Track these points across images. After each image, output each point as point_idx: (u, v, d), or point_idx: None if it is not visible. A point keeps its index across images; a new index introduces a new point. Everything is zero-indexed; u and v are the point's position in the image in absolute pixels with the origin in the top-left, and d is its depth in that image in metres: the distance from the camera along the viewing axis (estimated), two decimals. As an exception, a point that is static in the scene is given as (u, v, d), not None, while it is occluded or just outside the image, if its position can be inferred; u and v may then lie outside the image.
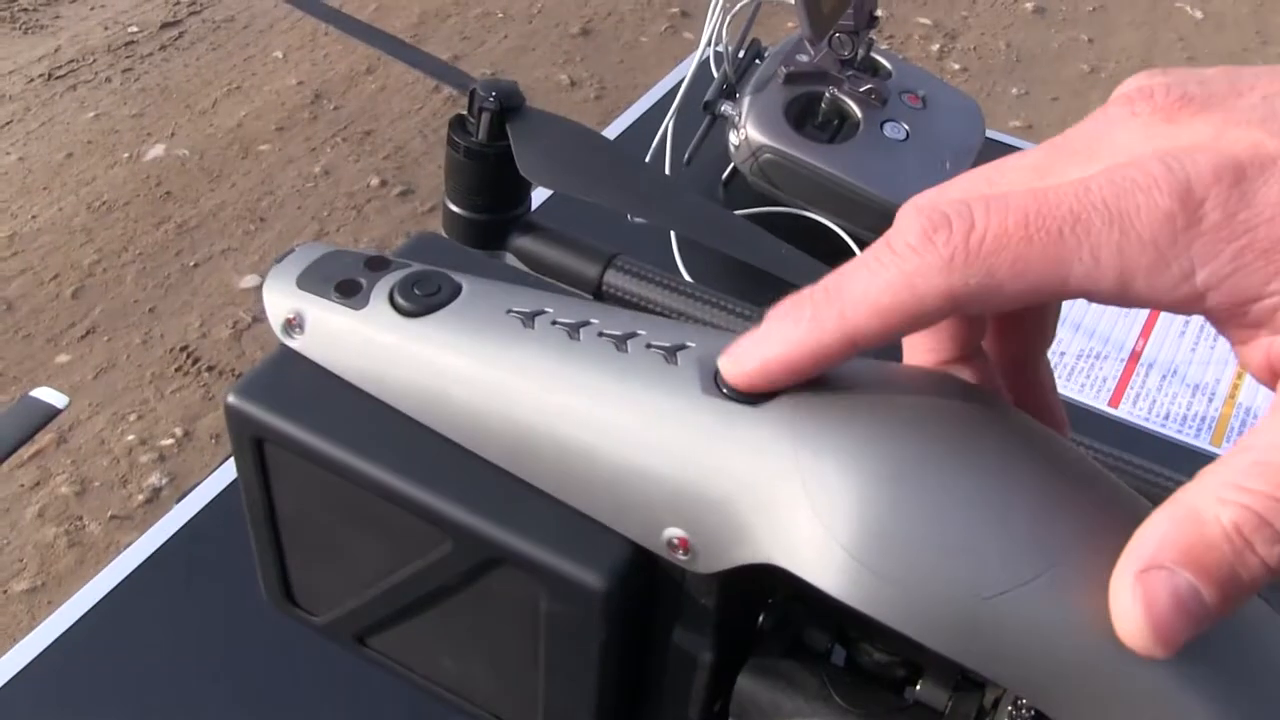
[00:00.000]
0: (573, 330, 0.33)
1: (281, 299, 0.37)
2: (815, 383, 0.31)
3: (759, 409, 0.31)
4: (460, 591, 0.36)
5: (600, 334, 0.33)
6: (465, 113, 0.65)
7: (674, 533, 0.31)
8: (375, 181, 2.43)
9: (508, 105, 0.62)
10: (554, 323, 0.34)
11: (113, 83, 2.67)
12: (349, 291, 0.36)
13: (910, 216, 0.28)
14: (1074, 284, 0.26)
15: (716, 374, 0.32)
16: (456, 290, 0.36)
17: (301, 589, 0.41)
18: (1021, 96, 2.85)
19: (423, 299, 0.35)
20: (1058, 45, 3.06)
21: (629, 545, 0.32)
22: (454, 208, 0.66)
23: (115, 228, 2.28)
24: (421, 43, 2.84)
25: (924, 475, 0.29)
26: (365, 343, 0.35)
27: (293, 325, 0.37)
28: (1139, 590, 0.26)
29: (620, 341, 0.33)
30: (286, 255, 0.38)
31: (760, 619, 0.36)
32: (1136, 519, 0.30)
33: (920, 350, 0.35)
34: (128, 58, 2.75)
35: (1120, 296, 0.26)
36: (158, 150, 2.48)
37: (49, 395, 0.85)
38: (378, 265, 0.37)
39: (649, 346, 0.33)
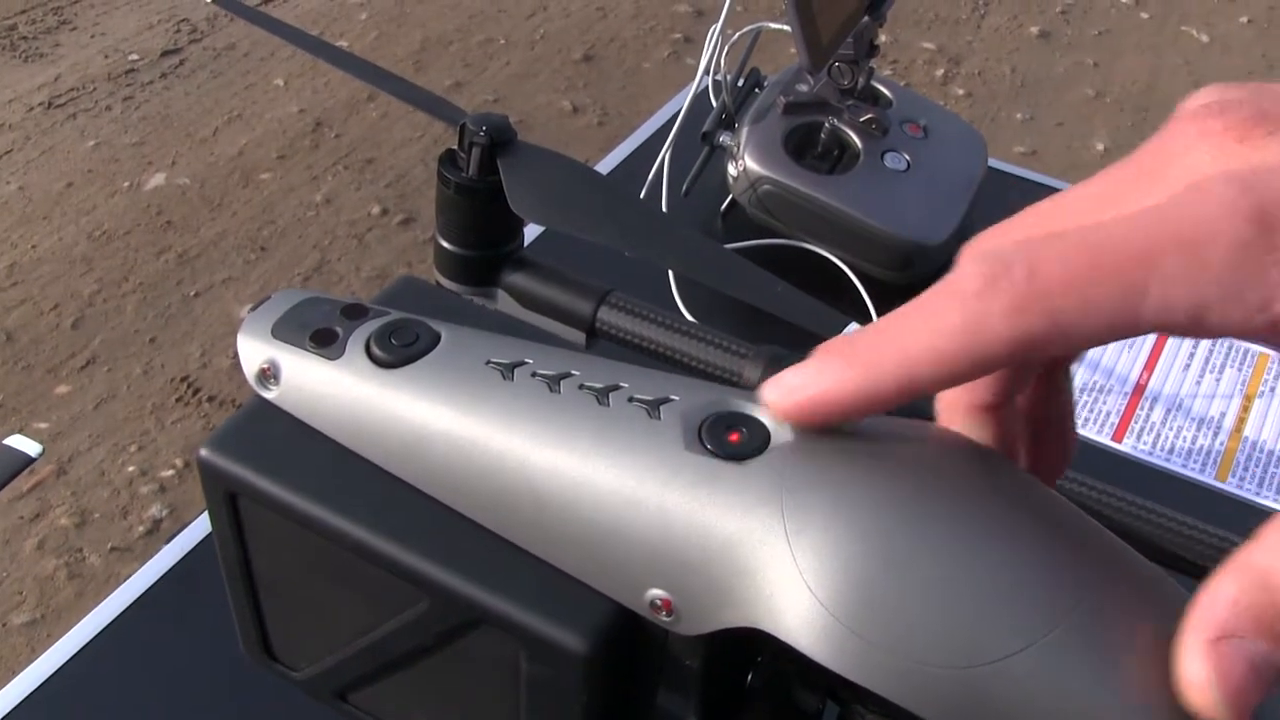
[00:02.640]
0: (553, 383, 0.32)
1: (256, 348, 0.36)
2: (803, 436, 0.30)
3: (744, 466, 0.30)
4: (439, 651, 0.34)
5: (581, 386, 0.32)
6: (455, 148, 0.64)
7: (657, 594, 0.30)
8: (376, 210, 2.42)
9: (499, 140, 0.61)
10: (534, 374, 0.33)
11: (113, 111, 2.67)
12: (325, 341, 0.35)
13: (971, 261, 0.27)
14: (1146, 322, 0.25)
15: (701, 429, 0.31)
16: (435, 339, 0.34)
17: (280, 644, 0.40)
18: (1026, 122, 2.84)
19: (400, 349, 0.34)
20: (1063, 70, 3.05)
21: (611, 605, 0.31)
22: (445, 244, 0.65)
23: (115, 257, 2.28)
24: (423, 69, 2.84)
25: (916, 537, 0.28)
26: (341, 395, 0.34)
27: (267, 376, 0.36)
28: (1212, 659, 0.25)
29: (602, 394, 0.32)
30: (262, 303, 0.37)
31: (749, 678, 0.35)
32: (1139, 580, 0.28)
33: (954, 394, 0.34)
34: (128, 86, 2.75)
35: (1194, 329, 0.25)
36: (158, 179, 2.48)
37: (22, 444, 0.84)
38: (355, 313, 0.36)
39: (631, 400, 0.32)
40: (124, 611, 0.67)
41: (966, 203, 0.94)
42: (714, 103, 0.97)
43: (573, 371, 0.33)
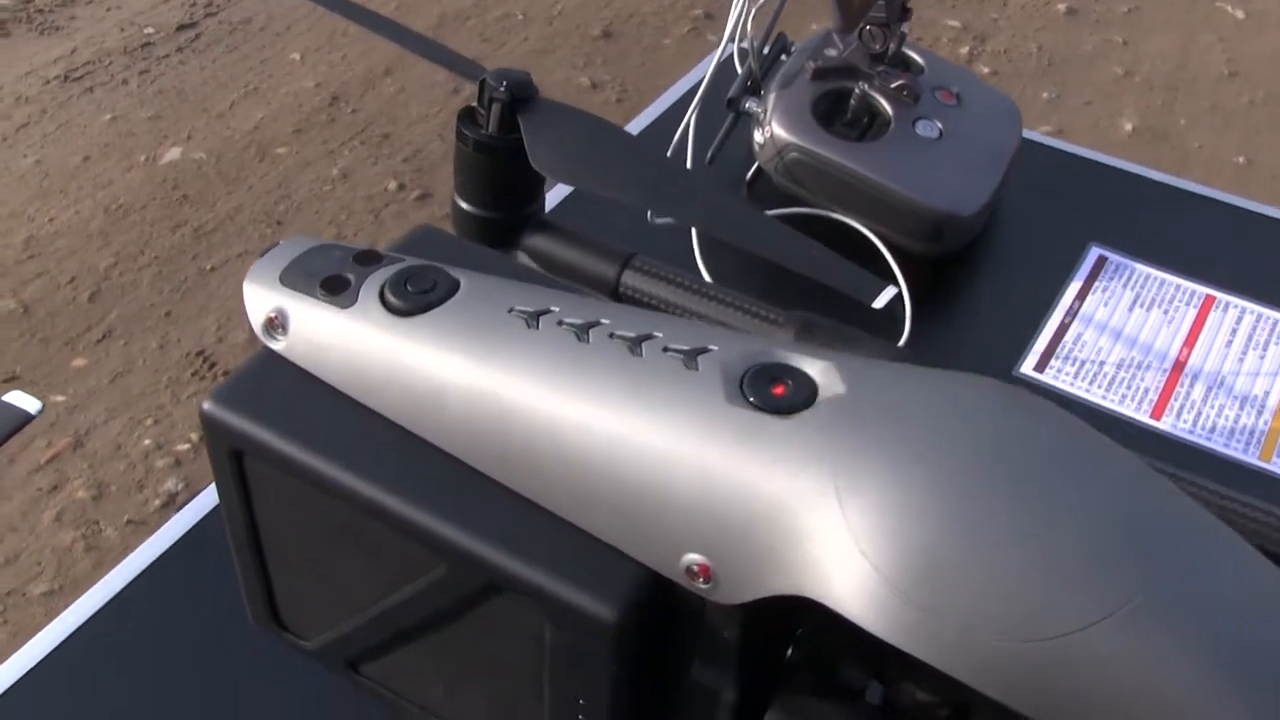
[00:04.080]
0: (581, 331, 0.30)
1: (263, 296, 0.34)
2: (855, 389, 0.28)
3: (790, 420, 0.27)
4: (457, 618, 0.32)
5: (612, 335, 0.30)
6: (475, 104, 0.61)
7: (693, 559, 0.28)
8: (393, 185, 2.40)
9: (519, 96, 0.59)
10: (561, 323, 0.30)
11: (129, 85, 2.65)
12: (336, 288, 0.33)
13: None
14: None
15: (743, 381, 0.28)
16: (454, 287, 0.32)
17: (289, 612, 0.37)
18: (1053, 101, 2.80)
19: (416, 296, 0.32)
20: (1090, 48, 3.01)
21: (643, 572, 0.29)
22: (464, 205, 0.62)
23: (132, 231, 2.26)
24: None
25: (981, 499, 0.25)
26: (353, 344, 0.32)
27: (275, 325, 0.33)
28: None
29: (634, 344, 0.29)
30: (271, 249, 0.35)
31: (788, 651, 0.32)
32: (1220, 547, 0.26)
33: None
34: (144, 60, 2.73)
35: None
36: (174, 153, 2.46)
37: (21, 400, 0.82)
38: (368, 260, 0.34)
39: (666, 350, 0.29)
40: (134, 579, 0.65)
41: (1000, 173, 0.91)
42: (739, 69, 0.94)
43: (602, 320, 0.30)
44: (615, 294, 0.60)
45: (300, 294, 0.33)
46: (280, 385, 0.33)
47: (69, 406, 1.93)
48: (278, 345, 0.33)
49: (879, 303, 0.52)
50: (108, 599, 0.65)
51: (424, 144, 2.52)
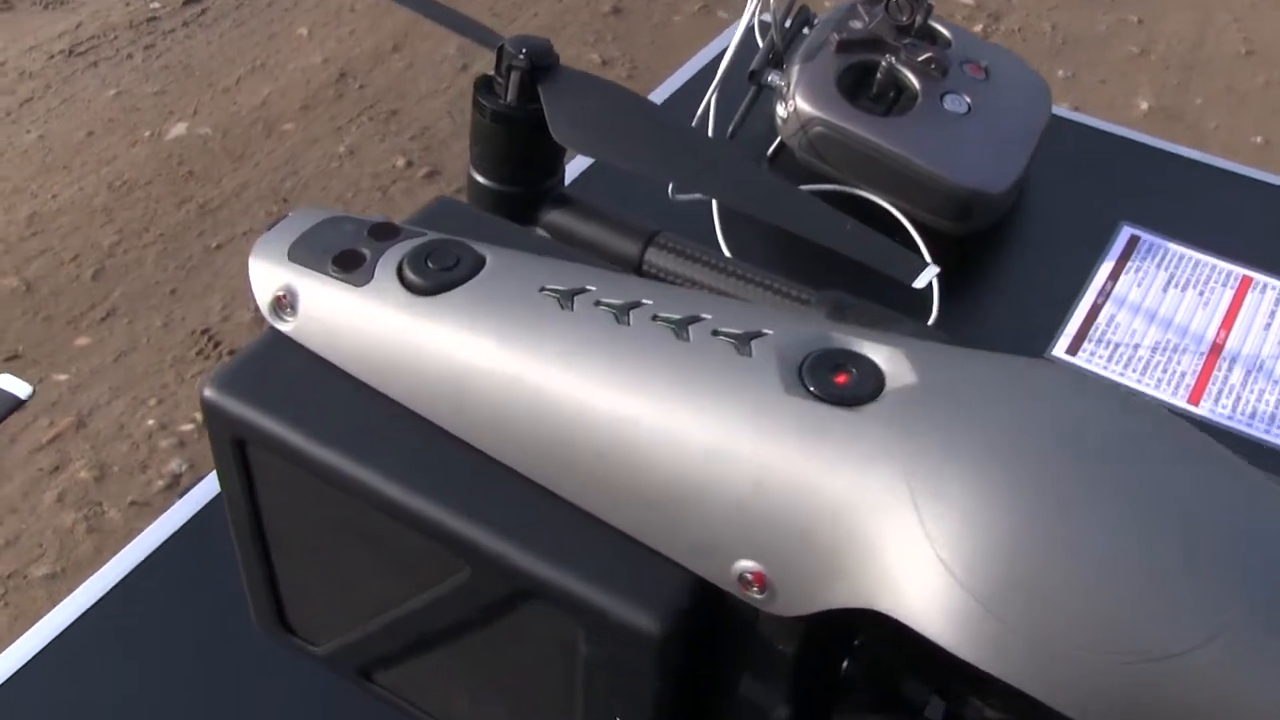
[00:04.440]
0: (621, 313, 0.27)
1: (270, 273, 0.31)
2: (926, 378, 0.25)
3: (857, 413, 0.25)
4: (481, 627, 0.29)
5: (655, 317, 0.27)
6: (493, 73, 0.58)
7: (747, 566, 0.25)
8: (401, 162, 2.37)
9: (539, 64, 0.56)
10: (598, 303, 0.28)
11: (134, 60, 2.62)
12: (350, 264, 0.30)
13: None
14: None
15: (802, 368, 0.26)
16: (479, 263, 0.29)
17: (297, 615, 0.35)
18: (1068, 79, 2.76)
19: (437, 273, 0.29)
20: (1105, 27, 2.97)
21: (690, 579, 0.26)
22: (480, 179, 0.59)
23: (136, 208, 2.24)
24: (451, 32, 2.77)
25: (1076, 505, 0.22)
26: (368, 326, 0.29)
27: (283, 305, 0.31)
28: None
29: (680, 327, 0.27)
30: (278, 221, 0.32)
31: (845, 664, 0.30)
32: None
33: None
34: (150, 34, 2.70)
35: None
36: (180, 129, 2.43)
37: (11, 384, 0.79)
38: (385, 234, 0.31)
39: (716, 334, 0.26)
40: (140, 564, 0.63)
41: (1029, 150, 0.88)
42: (760, 41, 0.91)
43: (643, 300, 0.27)
44: (638, 272, 0.57)
45: (311, 271, 0.30)
46: (288, 369, 0.30)
47: (71, 386, 1.91)
48: (286, 326, 0.31)
49: (919, 282, 0.49)
50: (112, 584, 0.63)
51: (432, 121, 2.49)
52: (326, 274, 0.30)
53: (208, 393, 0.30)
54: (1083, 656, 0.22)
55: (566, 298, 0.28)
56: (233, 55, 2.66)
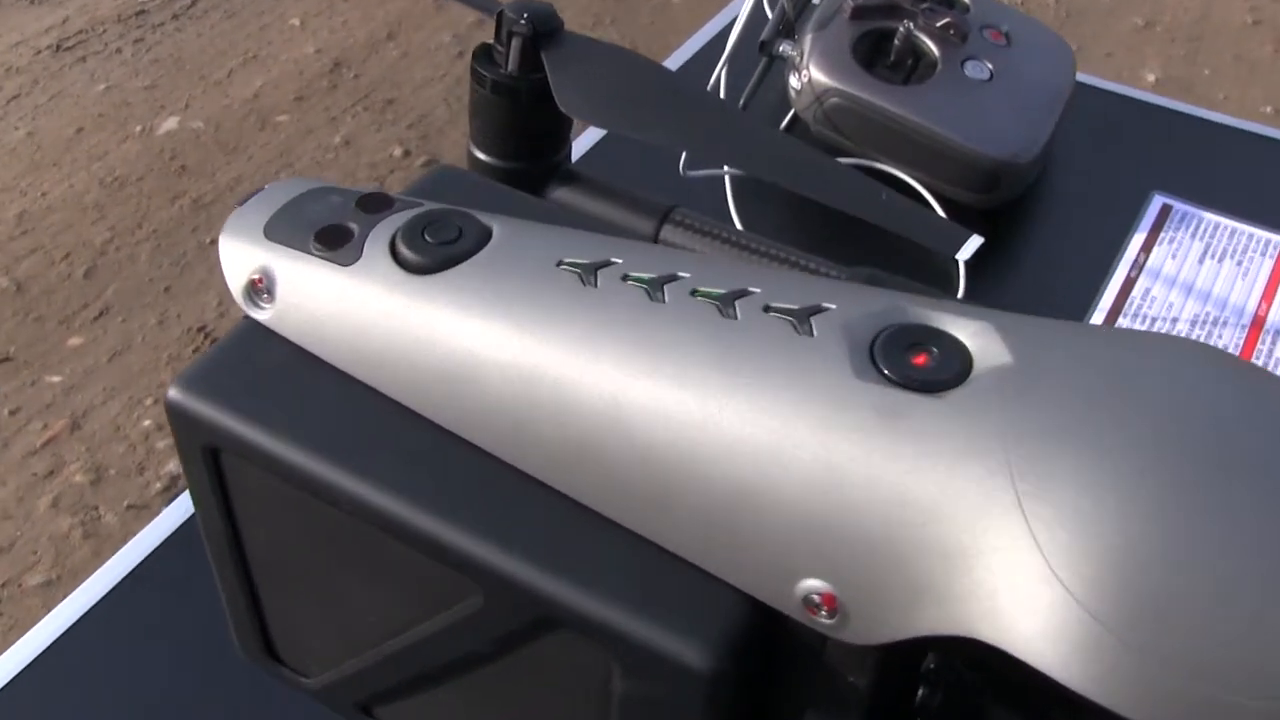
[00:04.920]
0: (654, 288, 0.23)
1: (244, 254, 0.27)
2: (1023, 356, 0.21)
3: (942, 400, 0.20)
4: (497, 659, 0.25)
5: (695, 292, 0.23)
6: (492, 41, 0.54)
7: (815, 586, 0.21)
8: (398, 152, 2.33)
9: (542, 30, 0.52)
10: (626, 278, 0.23)
11: (124, 54, 2.57)
12: (335, 241, 0.26)
13: None
14: None
15: (873, 348, 0.22)
16: (484, 235, 0.25)
17: (286, 643, 0.31)
18: (1074, 53, 2.72)
19: (437, 248, 0.25)
20: (1109, -1, 2.92)
21: (745, 604, 0.22)
22: (480, 155, 0.55)
23: (128, 204, 2.19)
24: (445, 2, 2.73)
25: (1223, 505, 0.18)
26: (357, 310, 0.25)
27: (259, 290, 0.27)
28: None
29: (725, 303, 0.22)
30: (254, 194, 0.28)
31: (919, 692, 0.26)
32: None
33: None
34: (139, 27, 2.66)
35: None
36: (171, 123, 2.39)
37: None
38: (375, 205, 0.27)
39: (768, 309, 0.22)
40: (136, 568, 0.59)
41: (1055, 117, 0.84)
42: (769, 10, 0.87)
43: (679, 273, 0.23)
44: (653, 252, 0.53)
45: (290, 249, 0.26)
46: (266, 365, 0.26)
47: (65, 387, 1.87)
48: (262, 314, 0.27)
49: (963, 254, 0.45)
50: (108, 589, 0.60)
51: (429, 109, 2.45)
52: (308, 253, 0.26)
53: (173, 394, 0.26)
54: (1231, 694, 0.18)
55: (589, 272, 0.24)
56: (224, 47, 2.62)
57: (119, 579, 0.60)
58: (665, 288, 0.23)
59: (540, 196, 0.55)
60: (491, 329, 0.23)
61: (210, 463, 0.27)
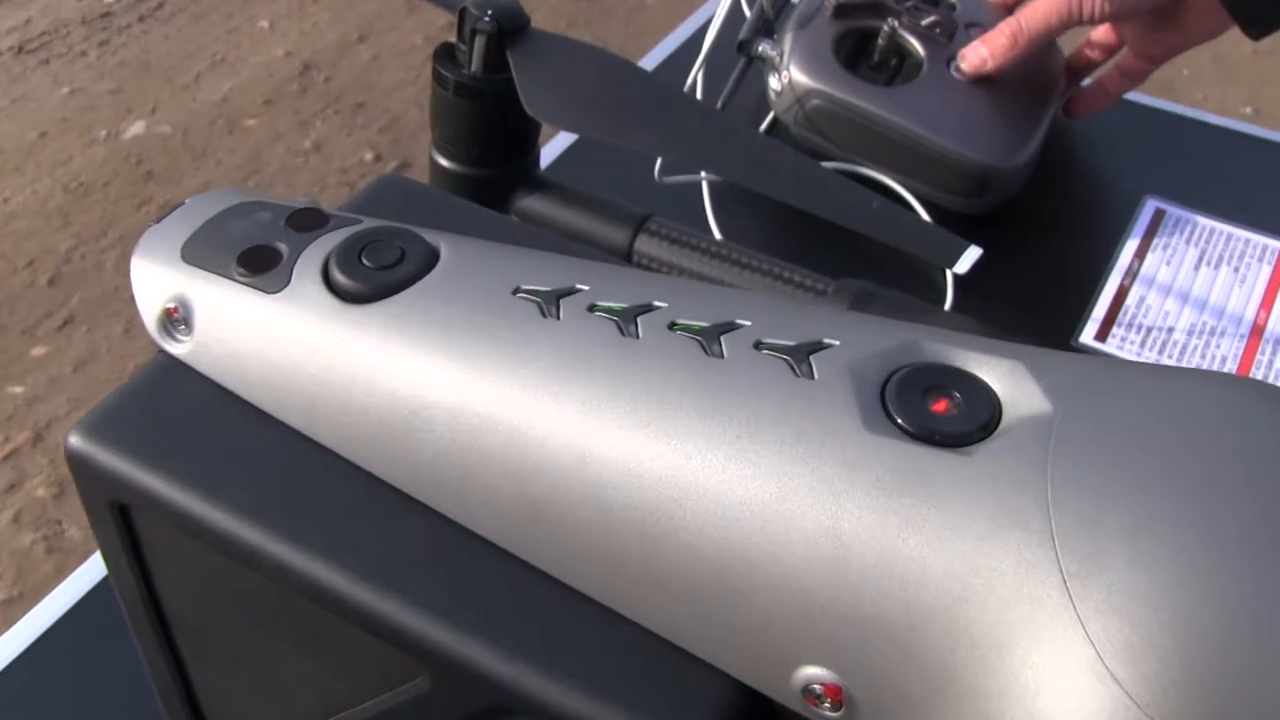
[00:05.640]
0: (625, 320, 0.20)
1: (158, 278, 0.23)
2: (1063, 402, 0.18)
3: (970, 455, 0.17)
4: (448, 746, 0.22)
5: (673, 325, 0.20)
6: (455, 40, 0.51)
7: (816, 674, 0.18)
8: (369, 156, 2.29)
9: (508, 27, 0.49)
10: (593, 308, 0.20)
11: (88, 56, 2.53)
12: (261, 264, 0.23)
13: None
14: None
15: (885, 393, 0.18)
16: (430, 257, 0.22)
17: (216, 714, 0.27)
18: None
19: (375, 272, 0.22)
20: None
21: (735, 693, 0.19)
22: (443, 161, 0.52)
23: (94, 210, 2.15)
24: (417, 3, 2.70)
25: None
26: (283, 344, 0.22)
27: (174, 320, 0.23)
28: None
29: (710, 338, 0.19)
30: (172, 211, 0.25)
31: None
32: None
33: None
34: (104, 30, 2.61)
35: None
36: (138, 128, 2.35)
37: None
38: (308, 222, 0.23)
39: (759, 346, 0.19)
40: (101, 582, 0.56)
41: (1047, 119, 0.81)
42: (746, 10, 0.83)
43: (655, 302, 0.20)
44: (627, 263, 0.49)
45: (210, 274, 0.23)
46: (181, 407, 0.23)
47: (28, 398, 1.83)
48: (179, 348, 0.23)
49: (961, 266, 0.42)
50: (71, 605, 0.58)
51: (401, 112, 2.41)
52: (230, 278, 0.23)
53: (74, 442, 0.23)
54: None
55: (550, 301, 0.20)
56: (191, 50, 2.58)
57: (82, 594, 0.58)
58: (639, 320, 0.20)
59: (507, 205, 0.51)
60: (437, 367, 0.20)
61: (120, 519, 0.23)
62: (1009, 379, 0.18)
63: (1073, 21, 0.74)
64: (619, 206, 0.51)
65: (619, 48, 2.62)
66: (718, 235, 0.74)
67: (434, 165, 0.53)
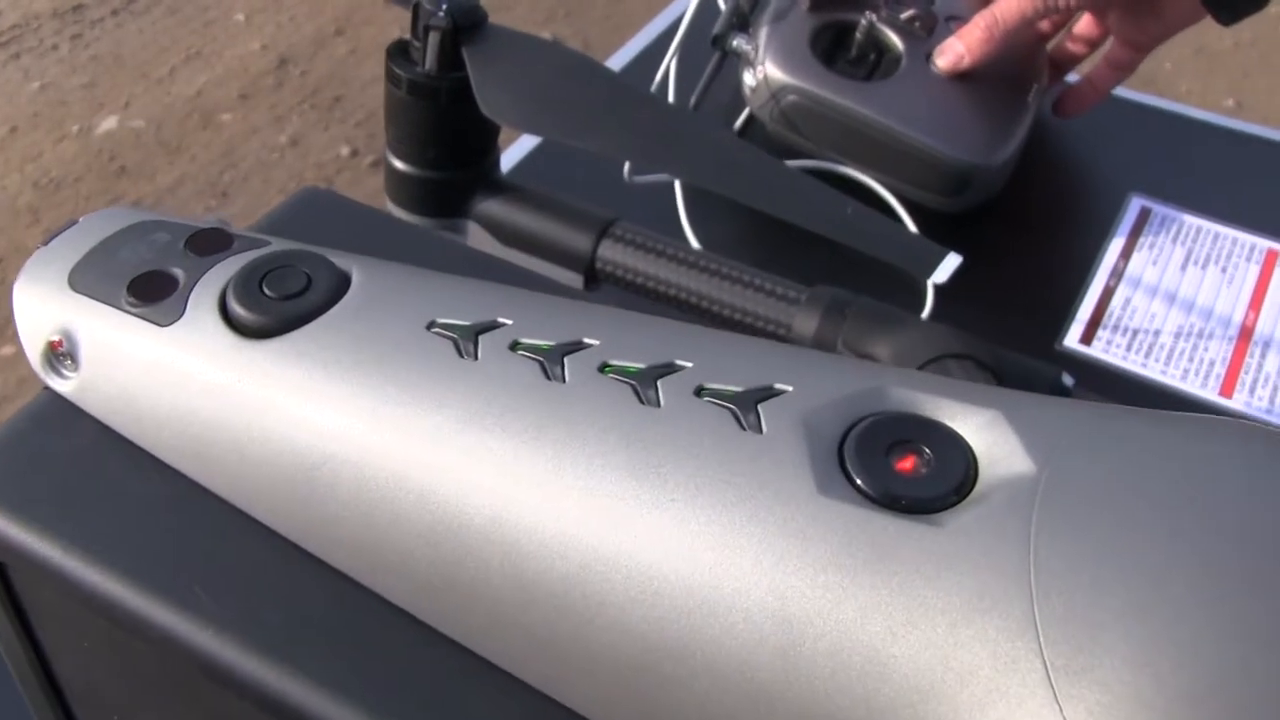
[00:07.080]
0: (551, 361, 0.17)
1: (42, 307, 0.21)
2: (1049, 459, 0.15)
3: (941, 524, 0.15)
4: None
5: (604, 368, 0.17)
6: (409, 36, 0.49)
7: None
8: (346, 151, 2.26)
9: (464, 23, 0.46)
10: (515, 346, 0.18)
11: (60, 50, 2.49)
12: (154, 293, 0.20)
13: None
14: None
15: (843, 449, 0.16)
16: (340, 285, 0.20)
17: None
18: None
19: (277, 303, 0.19)
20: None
21: None
22: (398, 163, 0.50)
23: (64, 206, 2.12)
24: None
25: None
26: (177, 384, 0.19)
27: (59, 354, 0.21)
28: None
29: (645, 383, 0.17)
30: (61, 231, 0.22)
31: None
32: None
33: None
34: (76, 23, 2.57)
35: None
36: (110, 122, 2.31)
37: None
38: (209, 245, 0.21)
39: (700, 392, 0.17)
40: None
41: (1029, 116, 0.79)
42: (721, 2, 0.81)
43: (584, 339, 0.18)
44: (591, 271, 0.47)
45: (98, 303, 0.21)
46: (64, 452, 0.20)
47: (-3, 399, 1.80)
48: (64, 385, 0.21)
49: (939, 276, 0.40)
50: None
51: (378, 107, 2.38)
52: (120, 307, 0.20)
53: (-60, 493, 0.20)
54: None
55: (468, 337, 0.18)
56: (166, 44, 2.54)
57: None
58: (565, 360, 0.17)
59: (465, 210, 0.49)
60: (339, 414, 0.18)
61: (-2, 581, 0.21)
62: (987, 431, 0.16)
63: (1048, 9, 0.72)
64: (583, 211, 0.48)
65: (599, 41, 2.59)
66: (691, 238, 0.72)
67: (389, 168, 0.50)
